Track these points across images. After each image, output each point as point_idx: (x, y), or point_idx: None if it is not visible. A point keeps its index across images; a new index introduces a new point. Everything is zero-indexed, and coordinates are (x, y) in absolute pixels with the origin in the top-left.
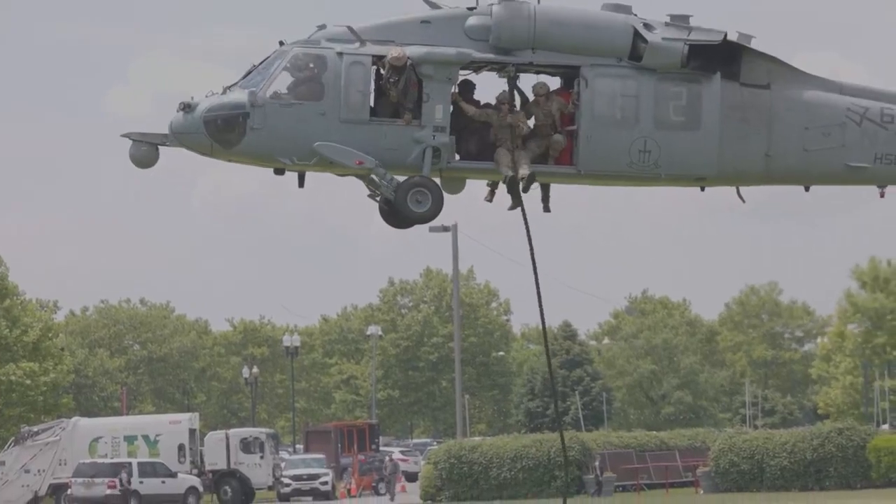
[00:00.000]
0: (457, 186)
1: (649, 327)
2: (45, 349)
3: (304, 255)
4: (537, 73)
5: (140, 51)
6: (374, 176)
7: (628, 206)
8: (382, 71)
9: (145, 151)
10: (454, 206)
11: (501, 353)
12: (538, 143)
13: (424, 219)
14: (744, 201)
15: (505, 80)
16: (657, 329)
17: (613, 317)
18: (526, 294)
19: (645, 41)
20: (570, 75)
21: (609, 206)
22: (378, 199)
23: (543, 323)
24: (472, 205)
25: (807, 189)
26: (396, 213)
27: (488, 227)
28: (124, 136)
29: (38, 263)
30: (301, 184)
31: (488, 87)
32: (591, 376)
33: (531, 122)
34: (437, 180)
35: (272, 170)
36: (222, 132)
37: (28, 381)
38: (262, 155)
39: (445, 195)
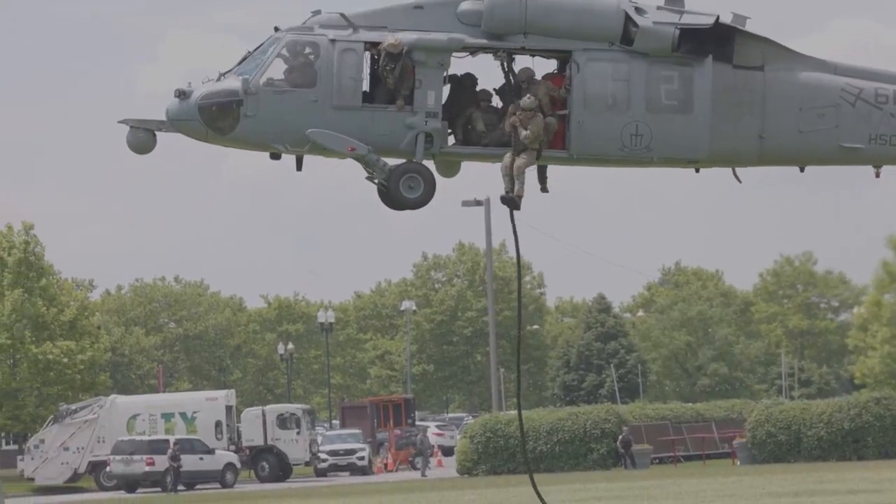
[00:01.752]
0: (451, 170)
1: (683, 299)
2: (81, 328)
3: (338, 231)
4: (531, 56)
5: (169, 27)
6: (366, 162)
7: (661, 176)
8: (377, 57)
9: (142, 138)
10: (487, 181)
11: (536, 326)
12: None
13: (417, 204)
14: (740, 182)
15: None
16: (691, 301)
17: (647, 289)
18: (559, 267)
19: (636, 25)
20: (563, 59)
21: (641, 177)
22: (376, 181)
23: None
24: None
25: (801, 170)
26: (390, 198)
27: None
28: (121, 122)
29: (73, 243)
30: (299, 167)
31: (489, 72)
32: (626, 349)
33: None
34: (432, 164)
35: (268, 155)
36: (217, 119)
37: (65, 360)
38: (256, 141)
39: (440, 179)
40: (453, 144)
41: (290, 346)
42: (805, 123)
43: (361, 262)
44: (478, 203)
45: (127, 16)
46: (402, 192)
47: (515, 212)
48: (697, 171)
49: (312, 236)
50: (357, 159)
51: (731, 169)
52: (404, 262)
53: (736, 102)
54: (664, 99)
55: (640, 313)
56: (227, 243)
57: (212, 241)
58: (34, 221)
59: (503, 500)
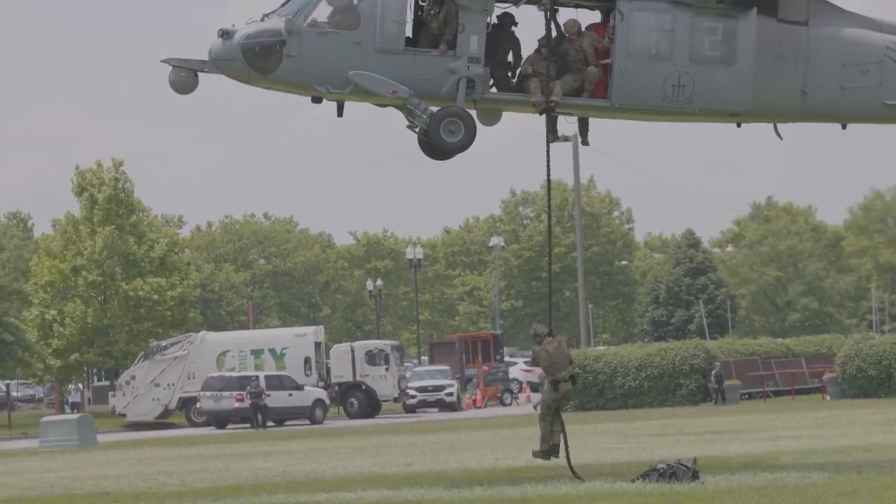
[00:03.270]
0: (493, 117)
1: (773, 234)
2: (171, 264)
3: (426, 167)
4: (576, 6)
5: None
6: (408, 106)
7: None
8: (422, 2)
9: (184, 77)
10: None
11: (624, 262)
12: (573, 77)
13: (457, 149)
14: (781, 138)
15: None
16: (781, 236)
17: (736, 224)
18: (648, 202)
19: None
20: (607, 9)
21: None
22: (416, 130)
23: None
24: None
25: (843, 127)
26: (431, 144)
27: (608, 136)
28: (164, 61)
29: (163, 180)
30: (340, 113)
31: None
32: (716, 284)
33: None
34: (473, 112)
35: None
36: (259, 59)
37: (155, 296)
38: (297, 83)
39: (480, 126)
40: (494, 90)
41: (379, 282)
42: (848, 80)
43: (450, 198)
44: (565, 139)
45: None
46: (443, 135)
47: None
48: (739, 125)
49: (401, 172)
50: (398, 106)
51: (772, 125)
52: (493, 198)
53: (779, 56)
54: (707, 50)
55: (729, 248)
56: (316, 180)
57: (301, 178)
58: (124, 158)
59: (586, 432)
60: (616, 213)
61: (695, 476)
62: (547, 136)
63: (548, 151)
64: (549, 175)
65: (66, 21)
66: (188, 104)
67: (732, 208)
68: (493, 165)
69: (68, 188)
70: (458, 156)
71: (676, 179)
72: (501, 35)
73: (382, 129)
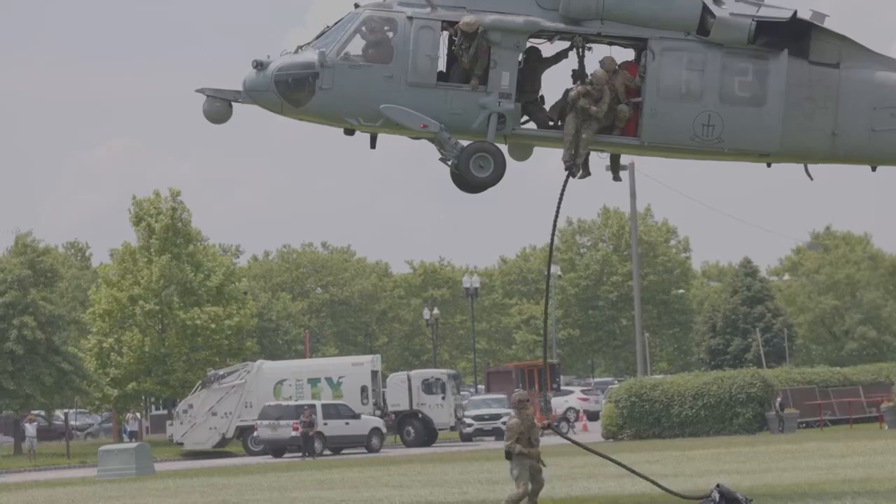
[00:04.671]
0: (524, 153)
1: (831, 262)
2: (228, 293)
3: (483, 196)
4: (610, 44)
5: None
6: (439, 140)
7: None
8: (454, 37)
9: (218, 107)
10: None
11: (682, 290)
12: (605, 115)
13: (486, 184)
14: (811, 178)
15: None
16: (839, 264)
17: (795, 252)
18: (705, 231)
19: (713, 16)
20: (639, 47)
21: None
22: (449, 162)
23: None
24: None
25: (874, 169)
26: (460, 178)
27: (665, 164)
28: (199, 91)
29: (220, 210)
30: (373, 145)
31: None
32: (773, 312)
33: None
34: (504, 148)
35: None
36: (292, 91)
37: (213, 325)
38: (329, 115)
39: (511, 161)
40: (525, 126)
41: (436, 311)
42: (878, 122)
43: (507, 227)
44: (622, 167)
45: None
46: (472, 170)
47: (573, 179)
48: (769, 165)
49: (458, 201)
50: (429, 138)
51: (803, 165)
52: (549, 227)
53: (809, 98)
54: (738, 91)
55: (786, 277)
56: (374, 209)
57: (358, 207)
58: (182, 188)
59: (642, 460)
60: (673, 242)
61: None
62: (570, 171)
63: (564, 186)
64: (557, 213)
65: (121, 52)
66: (246, 134)
67: (788, 236)
68: (549, 194)
69: (126, 218)
70: (514, 184)
71: (733, 208)
72: (533, 70)
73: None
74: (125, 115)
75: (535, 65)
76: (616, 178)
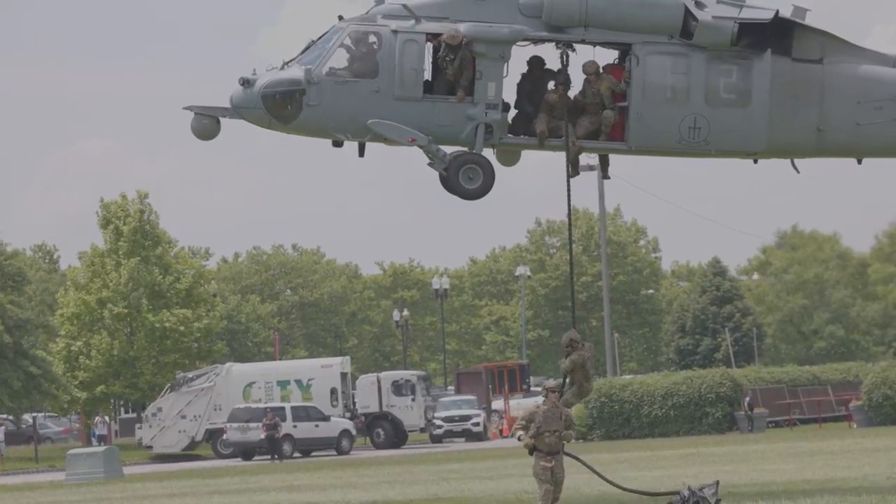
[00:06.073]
0: (512, 158)
1: (799, 262)
2: (197, 296)
3: (451, 197)
4: (594, 46)
5: None
6: (427, 153)
7: None
8: (438, 49)
9: (206, 124)
10: None
11: (651, 290)
12: (590, 119)
13: (476, 195)
14: (798, 172)
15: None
16: (807, 263)
17: (763, 252)
18: (674, 231)
19: (696, 19)
20: (624, 51)
21: None
22: (437, 168)
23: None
24: None
25: (859, 162)
26: (450, 188)
27: (634, 165)
28: (186, 108)
29: (189, 211)
30: (361, 153)
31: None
32: (742, 312)
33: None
34: (492, 152)
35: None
36: (280, 108)
37: (182, 328)
38: (317, 130)
39: (499, 167)
40: (512, 135)
41: (406, 312)
42: (863, 116)
43: (476, 228)
44: (590, 168)
45: None
46: (462, 182)
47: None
48: (756, 161)
49: (427, 203)
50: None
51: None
52: (518, 227)
53: (794, 95)
54: (722, 92)
55: (755, 277)
56: (344, 210)
57: (328, 209)
58: (150, 190)
59: (615, 459)
60: (642, 242)
61: None
62: (567, 172)
63: (568, 188)
64: (569, 213)
65: (91, 54)
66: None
67: (758, 236)
68: (518, 195)
69: (95, 221)
70: None
71: (702, 208)
72: (540, 79)
73: (408, 161)
74: (96, 117)
75: (540, 74)
76: (605, 176)
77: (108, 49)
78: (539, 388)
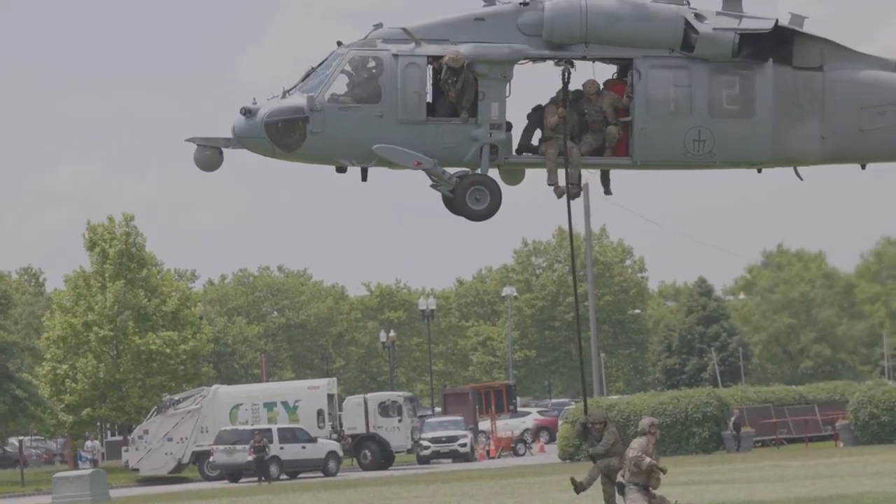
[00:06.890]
0: (516, 178)
1: (785, 281)
2: (183, 318)
3: (438, 218)
4: (593, 61)
5: (275, 10)
6: (432, 176)
7: None
8: (440, 72)
9: (209, 155)
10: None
11: (637, 310)
12: (594, 137)
13: (483, 216)
14: (801, 179)
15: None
16: (793, 283)
17: (749, 272)
18: (661, 251)
19: (696, 32)
20: (625, 66)
21: None
22: (441, 189)
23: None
24: None
25: (863, 167)
26: (457, 211)
27: (619, 185)
28: (188, 140)
29: (177, 234)
30: (364, 178)
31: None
32: (728, 332)
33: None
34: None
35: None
36: (283, 136)
37: (168, 350)
38: (322, 157)
39: (504, 186)
40: (518, 154)
41: (392, 333)
42: (866, 122)
43: (462, 249)
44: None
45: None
46: (469, 204)
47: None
48: (759, 171)
49: (413, 224)
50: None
51: (792, 168)
52: (505, 248)
53: (797, 104)
54: (726, 103)
55: (742, 296)
56: (330, 232)
57: (314, 230)
58: (136, 213)
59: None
60: (629, 262)
61: None
62: (567, 191)
63: (569, 208)
64: (571, 234)
65: (77, 77)
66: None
67: (743, 256)
68: (504, 216)
69: (81, 244)
70: None
71: (688, 227)
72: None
73: (395, 182)
74: (81, 138)
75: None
76: (607, 191)
77: (90, 70)
78: (526, 409)
